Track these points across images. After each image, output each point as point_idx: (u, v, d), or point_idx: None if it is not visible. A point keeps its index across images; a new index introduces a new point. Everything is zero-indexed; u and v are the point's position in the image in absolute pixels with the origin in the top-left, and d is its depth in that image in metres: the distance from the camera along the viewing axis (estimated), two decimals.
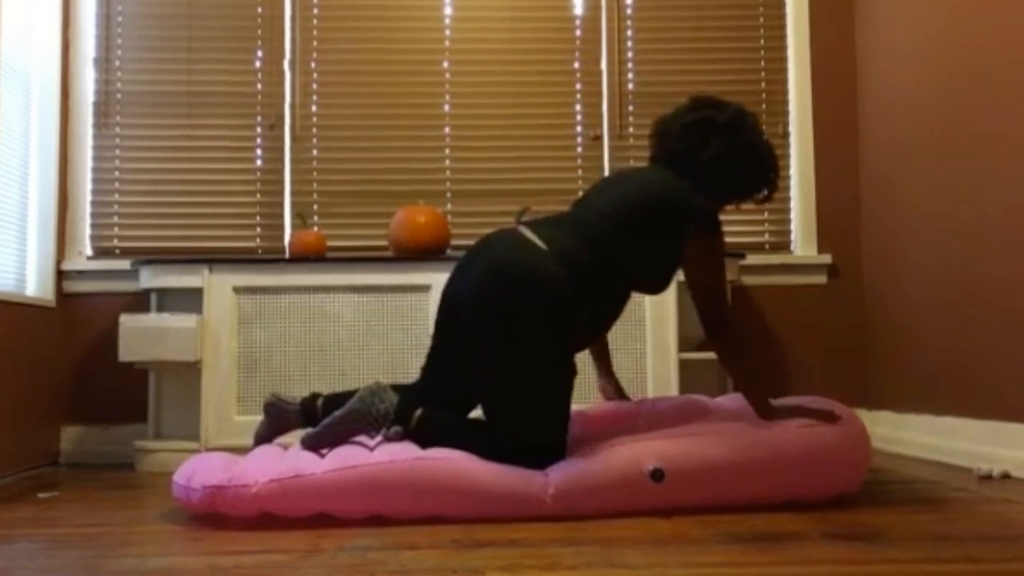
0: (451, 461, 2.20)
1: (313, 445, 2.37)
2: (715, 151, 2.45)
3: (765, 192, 2.56)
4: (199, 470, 2.25)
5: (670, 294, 3.37)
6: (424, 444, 2.30)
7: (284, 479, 2.15)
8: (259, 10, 3.82)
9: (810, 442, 2.26)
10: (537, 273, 2.27)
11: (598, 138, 3.85)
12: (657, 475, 2.18)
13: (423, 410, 2.36)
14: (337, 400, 2.49)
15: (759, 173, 2.53)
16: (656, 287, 2.49)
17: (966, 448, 3.01)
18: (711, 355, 3.36)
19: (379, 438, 2.36)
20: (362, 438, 2.40)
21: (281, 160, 3.79)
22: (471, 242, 3.73)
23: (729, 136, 2.47)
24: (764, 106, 3.90)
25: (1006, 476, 2.72)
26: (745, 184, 2.54)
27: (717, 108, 2.50)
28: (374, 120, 3.82)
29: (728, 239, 3.80)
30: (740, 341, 2.39)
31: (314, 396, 2.53)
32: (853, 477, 2.32)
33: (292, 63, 3.82)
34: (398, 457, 2.19)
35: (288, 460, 2.25)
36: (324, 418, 2.41)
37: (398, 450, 2.24)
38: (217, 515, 2.19)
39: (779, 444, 2.25)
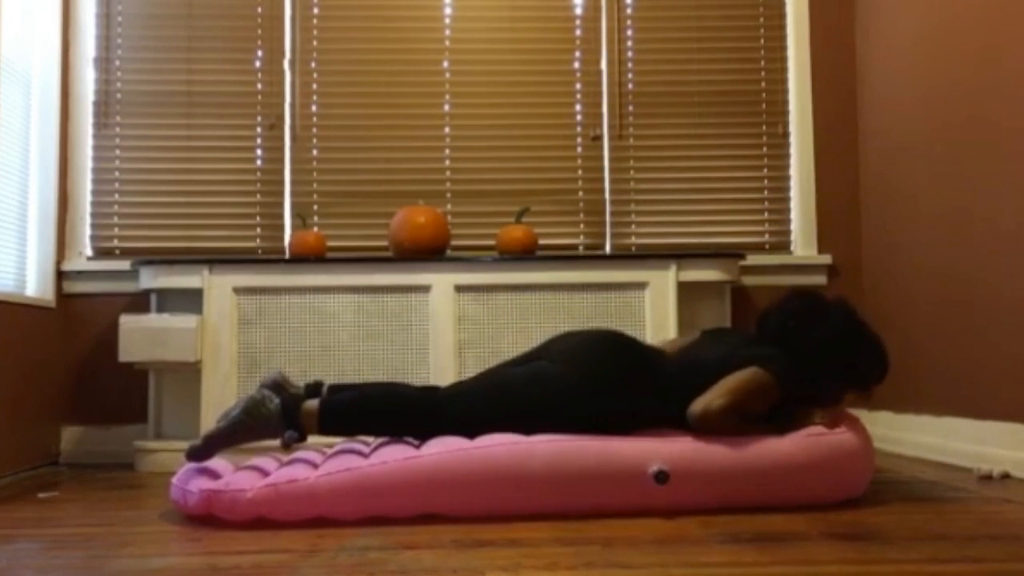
0: (442, 457, 2.21)
1: (200, 455, 2.31)
2: (820, 334, 2.43)
3: (864, 383, 2.49)
4: (197, 474, 2.26)
5: (670, 294, 3.37)
6: (338, 427, 2.36)
7: (280, 483, 2.16)
8: (259, 10, 3.82)
9: (815, 451, 2.26)
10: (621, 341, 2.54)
11: (598, 138, 3.85)
12: (661, 477, 2.17)
13: (322, 397, 2.38)
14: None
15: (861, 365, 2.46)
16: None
17: (966, 448, 3.01)
18: None
19: (375, 445, 2.36)
20: (358, 445, 2.40)
21: (281, 160, 3.79)
22: (471, 242, 3.76)
23: (834, 326, 2.45)
24: (764, 106, 3.90)
25: (1006, 476, 2.72)
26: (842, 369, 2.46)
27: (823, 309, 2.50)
28: (374, 120, 3.82)
29: (728, 239, 3.81)
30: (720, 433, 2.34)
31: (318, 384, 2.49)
32: (856, 486, 2.33)
33: (292, 63, 3.82)
34: (391, 458, 2.21)
35: (285, 468, 2.27)
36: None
37: (391, 452, 2.26)
38: (215, 516, 2.20)
39: (784, 452, 2.26)
